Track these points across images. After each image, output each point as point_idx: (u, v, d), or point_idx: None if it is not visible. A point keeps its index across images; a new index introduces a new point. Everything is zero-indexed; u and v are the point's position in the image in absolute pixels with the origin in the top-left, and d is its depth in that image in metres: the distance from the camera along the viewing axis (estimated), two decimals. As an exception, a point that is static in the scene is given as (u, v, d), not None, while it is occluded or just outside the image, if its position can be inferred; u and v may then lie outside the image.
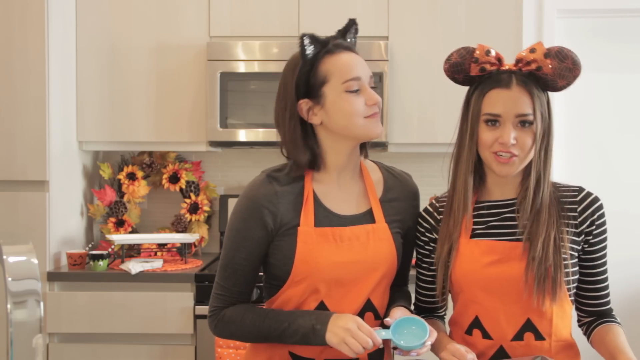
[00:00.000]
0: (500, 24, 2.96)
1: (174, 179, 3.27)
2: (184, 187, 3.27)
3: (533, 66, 1.47)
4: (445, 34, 2.98)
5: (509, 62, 1.51)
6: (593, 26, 3.38)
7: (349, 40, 1.57)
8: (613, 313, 1.60)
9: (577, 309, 1.60)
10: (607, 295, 1.58)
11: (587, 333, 1.59)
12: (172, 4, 3.03)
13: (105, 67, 3.04)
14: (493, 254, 1.49)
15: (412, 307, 1.66)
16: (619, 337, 1.50)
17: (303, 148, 1.53)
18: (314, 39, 1.50)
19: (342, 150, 1.55)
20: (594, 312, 1.59)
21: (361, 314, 1.54)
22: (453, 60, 1.54)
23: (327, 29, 2.94)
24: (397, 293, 1.65)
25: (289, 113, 1.53)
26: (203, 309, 2.73)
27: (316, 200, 1.55)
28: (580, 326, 1.63)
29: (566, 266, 1.48)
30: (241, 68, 2.97)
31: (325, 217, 1.53)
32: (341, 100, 1.49)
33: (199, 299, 2.76)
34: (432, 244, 1.61)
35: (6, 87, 2.78)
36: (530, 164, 1.50)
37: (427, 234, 1.62)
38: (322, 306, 1.52)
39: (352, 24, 1.58)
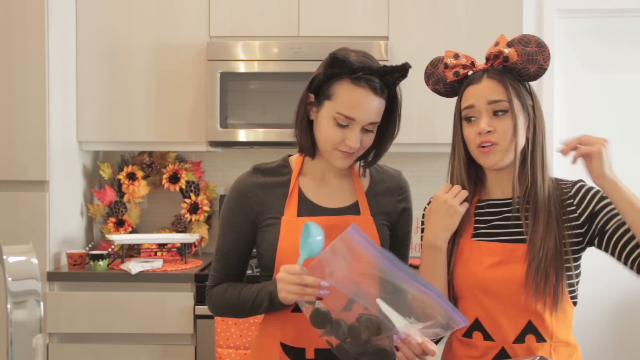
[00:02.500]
0: (500, 24, 2.96)
1: (174, 179, 3.27)
2: (184, 187, 3.27)
3: (501, 58, 1.49)
4: (445, 34, 2.98)
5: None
6: (593, 26, 3.38)
7: (389, 78, 1.52)
8: None
9: (625, 258, 1.43)
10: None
11: None
12: (172, 4, 3.03)
13: (105, 67, 3.04)
14: (494, 256, 1.49)
15: None
16: None
17: (305, 132, 1.59)
18: (341, 63, 1.48)
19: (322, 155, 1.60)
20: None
21: (348, 306, 1.54)
22: (429, 72, 1.58)
23: (327, 29, 2.97)
24: None
25: (301, 97, 1.59)
26: (203, 309, 2.73)
27: (301, 193, 1.61)
28: (633, 266, 1.44)
29: (569, 269, 1.47)
30: (241, 68, 2.97)
31: (308, 209, 1.59)
32: (326, 122, 1.53)
33: (199, 299, 2.76)
34: None
35: (6, 87, 2.78)
36: (525, 160, 1.51)
37: None
38: None
39: (401, 69, 1.51)
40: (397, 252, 1.66)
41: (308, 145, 1.59)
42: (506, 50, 1.48)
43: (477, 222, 1.55)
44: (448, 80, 1.55)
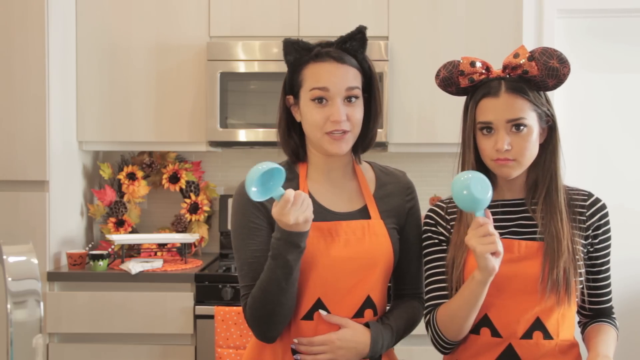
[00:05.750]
0: (500, 24, 2.95)
1: (174, 179, 3.27)
2: (184, 187, 3.27)
3: (519, 71, 1.48)
4: (445, 34, 2.98)
5: (501, 67, 1.53)
6: (593, 26, 3.38)
7: (350, 46, 1.55)
8: (613, 316, 1.62)
9: (578, 312, 1.62)
10: (609, 298, 1.61)
11: (582, 332, 1.63)
12: (172, 4, 3.03)
13: (105, 67, 3.04)
14: (508, 252, 1.49)
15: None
16: (600, 335, 1.52)
17: (286, 137, 1.59)
18: (295, 47, 1.53)
19: (317, 152, 1.58)
20: (594, 313, 1.62)
21: (361, 311, 1.54)
22: (442, 76, 1.57)
23: (327, 29, 2.97)
24: (402, 310, 1.62)
25: (280, 103, 1.60)
26: (203, 309, 2.73)
27: (310, 198, 1.55)
28: (580, 326, 1.66)
29: (579, 267, 1.50)
30: (241, 68, 2.97)
31: (320, 214, 1.54)
32: (306, 107, 1.52)
33: (199, 299, 2.76)
34: (440, 237, 1.60)
35: (6, 87, 2.78)
36: (538, 164, 1.53)
37: (433, 228, 1.61)
38: (319, 304, 1.52)
39: (356, 33, 1.56)
40: (409, 255, 1.63)
41: (288, 150, 1.59)
42: (526, 64, 1.47)
43: None
44: (462, 86, 1.54)
